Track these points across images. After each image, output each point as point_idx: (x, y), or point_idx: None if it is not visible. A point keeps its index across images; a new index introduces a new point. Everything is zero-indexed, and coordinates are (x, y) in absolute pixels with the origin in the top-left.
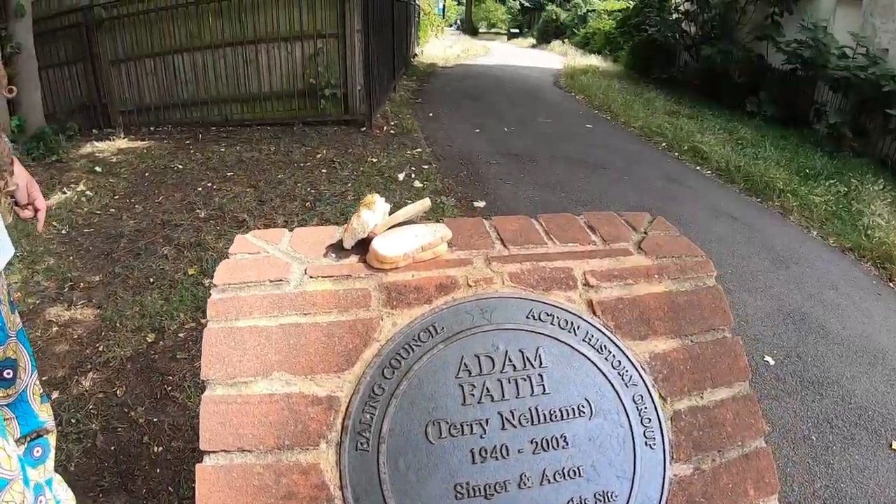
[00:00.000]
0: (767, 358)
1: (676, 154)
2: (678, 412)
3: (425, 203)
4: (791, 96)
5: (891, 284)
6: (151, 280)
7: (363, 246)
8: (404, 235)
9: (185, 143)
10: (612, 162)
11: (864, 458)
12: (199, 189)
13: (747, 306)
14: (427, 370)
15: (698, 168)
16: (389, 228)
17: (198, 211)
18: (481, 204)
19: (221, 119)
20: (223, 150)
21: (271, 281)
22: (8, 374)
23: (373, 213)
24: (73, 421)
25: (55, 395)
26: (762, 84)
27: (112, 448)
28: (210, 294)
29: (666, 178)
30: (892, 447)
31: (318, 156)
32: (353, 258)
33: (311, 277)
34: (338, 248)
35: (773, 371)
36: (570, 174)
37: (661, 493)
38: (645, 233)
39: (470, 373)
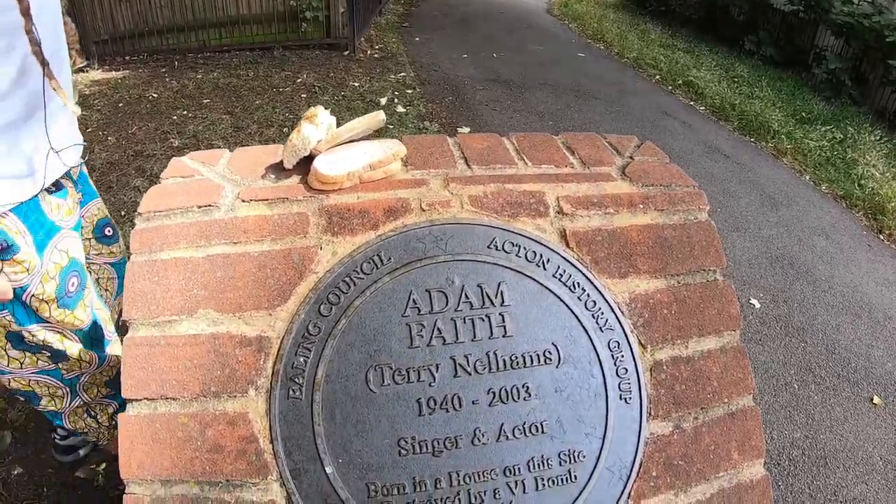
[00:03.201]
0: (753, 301)
1: (670, 88)
2: (659, 363)
3: (377, 116)
4: (791, 38)
5: (881, 236)
6: (122, 213)
7: (305, 166)
8: (351, 153)
9: (161, 72)
10: (604, 92)
11: (844, 410)
12: (174, 118)
13: (735, 247)
14: (370, 307)
15: (692, 103)
16: (335, 146)
17: (172, 140)
18: (465, 130)
19: (199, 45)
20: (199, 76)
21: (199, 207)
22: (108, 231)
23: (315, 127)
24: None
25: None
26: (762, 23)
27: None
28: (135, 223)
29: (659, 112)
30: (873, 402)
31: (298, 80)
32: (294, 179)
33: (243, 202)
34: (278, 169)
35: (757, 314)
36: (560, 103)
37: (636, 454)
38: (631, 157)
39: (419, 310)
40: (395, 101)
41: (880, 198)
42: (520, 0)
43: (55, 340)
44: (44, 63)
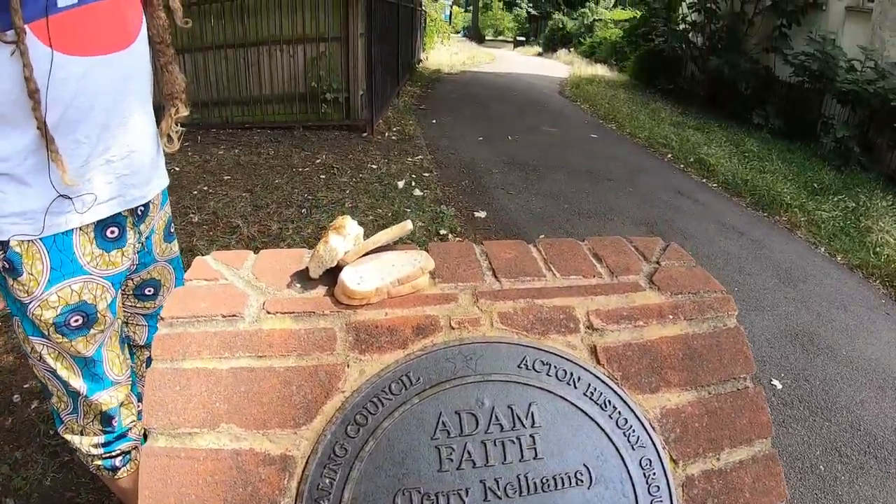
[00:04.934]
0: (774, 381)
1: (682, 166)
2: (691, 478)
3: (405, 226)
4: (798, 109)
5: None
6: None
7: (332, 275)
8: (379, 265)
9: (184, 145)
10: (617, 173)
11: (873, 489)
12: (195, 192)
13: (754, 326)
14: (398, 429)
15: (704, 180)
16: (362, 255)
17: (191, 216)
18: (482, 214)
19: (221, 121)
20: (221, 152)
21: (224, 316)
22: (149, 291)
23: (342, 238)
24: (50, 433)
25: (35, 404)
26: (769, 96)
27: None
28: (157, 311)
29: (671, 191)
30: None
31: (318, 161)
32: (320, 290)
33: (268, 313)
34: (304, 278)
35: (780, 396)
36: (574, 185)
37: None
38: (657, 262)
39: (449, 433)
40: (413, 184)
41: None
42: (533, 82)
43: (50, 359)
44: (46, 136)
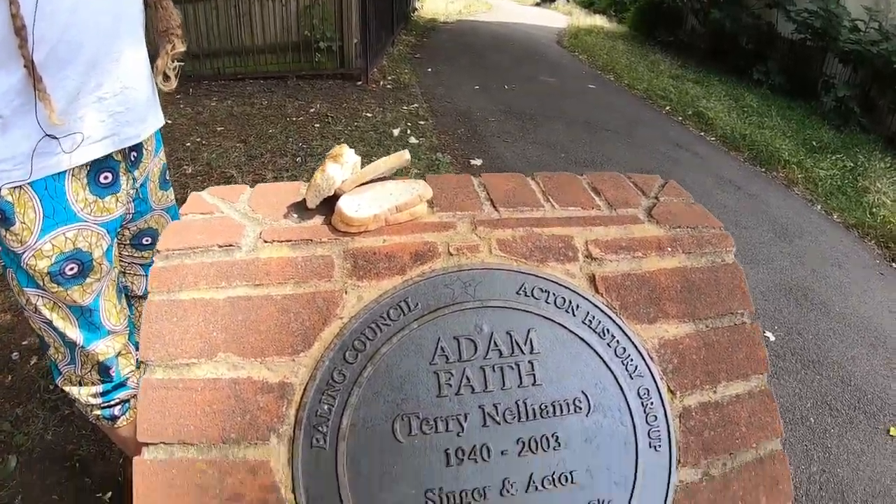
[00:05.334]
0: (768, 333)
1: (680, 118)
2: (688, 409)
3: (402, 156)
4: (799, 67)
5: (893, 265)
6: None
7: (329, 205)
8: (376, 194)
9: (175, 98)
10: (615, 123)
11: (861, 443)
12: (188, 144)
13: (749, 279)
14: (396, 354)
15: (702, 134)
16: (360, 185)
17: (185, 167)
18: (478, 162)
19: (213, 73)
20: (214, 104)
21: (220, 246)
22: (146, 241)
23: (340, 167)
24: (50, 388)
25: (34, 360)
26: (770, 53)
27: None
28: (153, 261)
29: (669, 143)
30: (890, 433)
31: (312, 110)
32: (318, 219)
33: (265, 242)
34: (301, 207)
35: (772, 348)
36: (571, 134)
37: (664, 502)
38: (656, 198)
39: (447, 358)
40: (408, 132)
41: (892, 225)
42: (530, 32)
43: (45, 310)
44: (33, 75)
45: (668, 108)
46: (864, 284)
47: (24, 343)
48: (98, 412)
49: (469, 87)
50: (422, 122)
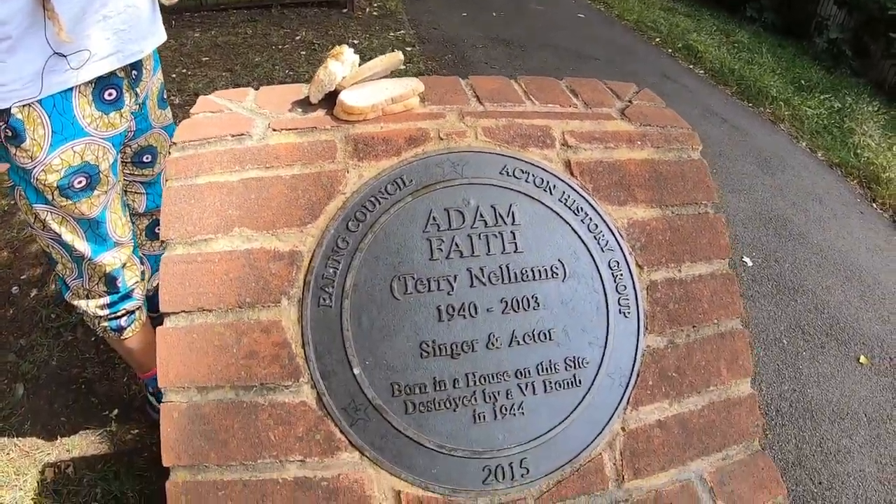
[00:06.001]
0: (746, 259)
1: (670, 51)
2: (654, 282)
3: (397, 56)
4: (794, 6)
5: (874, 205)
6: None
7: (331, 100)
8: (374, 88)
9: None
10: (604, 54)
11: (831, 367)
12: (173, 76)
13: (730, 207)
14: (393, 223)
15: (691, 67)
16: (358, 82)
17: (172, 98)
18: None
19: (196, 3)
20: (198, 35)
21: (233, 136)
22: (147, 158)
23: (341, 64)
24: (52, 316)
25: (34, 292)
26: None
27: (92, 339)
28: (170, 153)
29: (658, 74)
30: (860, 361)
31: (297, 38)
32: (320, 112)
33: (274, 131)
34: (304, 104)
35: (750, 272)
36: (559, 63)
37: (633, 364)
38: (629, 101)
39: (438, 227)
40: None
41: (875, 167)
42: None
43: (54, 224)
44: None
45: (657, 39)
46: (843, 220)
47: (22, 277)
48: (105, 324)
49: (457, 14)
50: (408, 49)
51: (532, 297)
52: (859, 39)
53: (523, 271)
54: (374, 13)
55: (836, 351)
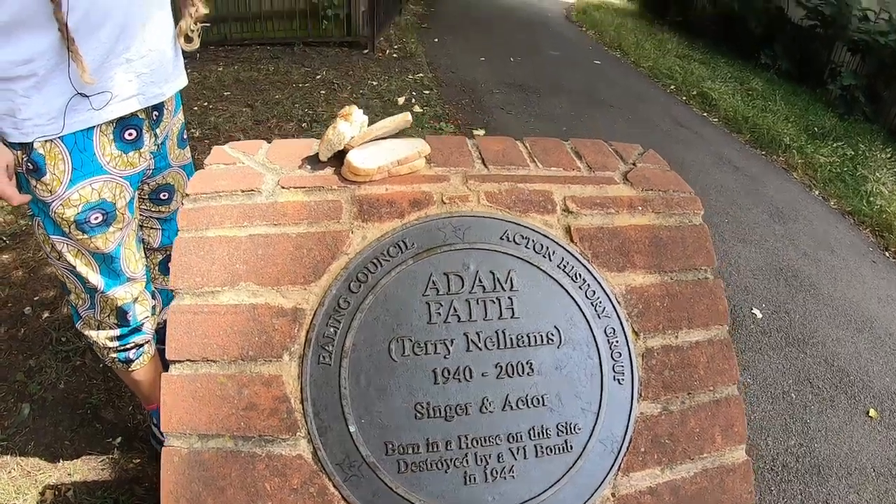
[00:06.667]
0: (755, 310)
1: (684, 98)
2: (650, 349)
3: (405, 117)
4: (807, 53)
5: (887, 254)
6: None
7: (339, 159)
8: (381, 149)
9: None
10: (619, 100)
11: (840, 421)
12: (195, 108)
13: (740, 257)
14: (394, 286)
15: (705, 114)
16: (366, 142)
17: (193, 130)
18: (481, 132)
19: (220, 38)
20: (221, 69)
21: (243, 191)
22: (164, 196)
23: (350, 125)
24: (62, 339)
25: (45, 314)
26: (779, 37)
27: (100, 365)
28: (182, 204)
29: (672, 121)
30: (869, 414)
31: (318, 77)
32: (329, 170)
33: (283, 188)
34: (314, 161)
35: (759, 324)
36: (575, 109)
37: (626, 430)
38: (633, 164)
39: (438, 291)
40: (413, 101)
41: (887, 215)
42: (539, 5)
43: (70, 256)
44: (67, 37)
45: (672, 87)
46: (855, 270)
47: (35, 298)
48: (114, 355)
49: (475, 58)
50: (426, 92)
51: (527, 363)
52: (872, 86)
53: (519, 337)
54: (395, 55)
55: (845, 404)
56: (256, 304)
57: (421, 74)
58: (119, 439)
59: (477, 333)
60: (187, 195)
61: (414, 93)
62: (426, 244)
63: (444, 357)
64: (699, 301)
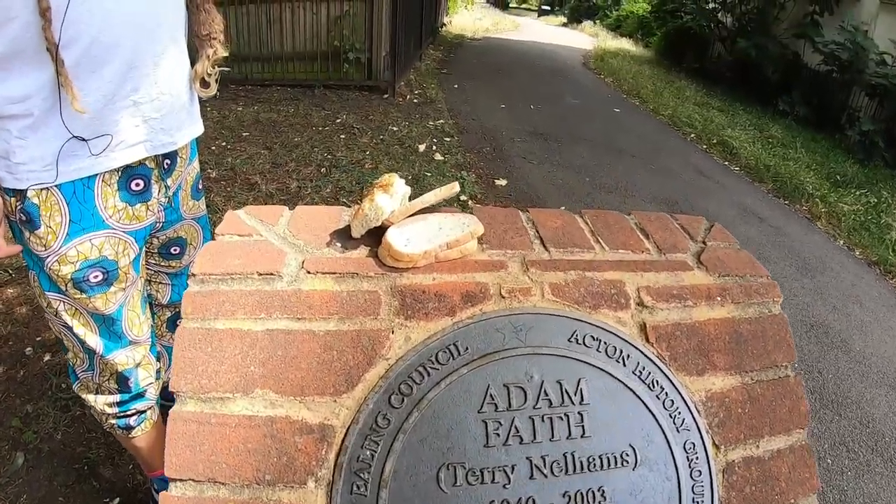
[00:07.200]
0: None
1: (705, 147)
2: (731, 463)
3: (453, 188)
4: (825, 99)
5: None
6: None
7: (375, 235)
8: (426, 227)
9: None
10: (640, 149)
11: (878, 487)
12: (213, 148)
13: None
14: (444, 400)
15: (726, 163)
16: (408, 217)
17: (209, 171)
18: (503, 182)
19: (241, 77)
20: (240, 108)
21: (261, 274)
22: (175, 250)
23: (390, 197)
24: (62, 386)
25: (47, 357)
26: (796, 83)
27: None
28: (188, 285)
29: (693, 170)
30: None
31: (338, 120)
32: (363, 250)
33: (308, 273)
34: (344, 237)
35: None
36: (595, 158)
37: None
38: (703, 242)
39: (496, 407)
40: (434, 148)
41: None
42: (557, 52)
43: (66, 315)
44: (57, 61)
45: (692, 135)
46: (885, 323)
47: (38, 339)
48: (113, 421)
49: (495, 105)
50: (447, 139)
51: (598, 490)
52: (891, 130)
53: (590, 459)
54: (415, 100)
55: (881, 468)
56: (275, 416)
57: (441, 121)
58: (117, 500)
59: (542, 458)
60: (193, 275)
61: (435, 139)
62: (482, 349)
63: (504, 487)
64: (781, 403)
